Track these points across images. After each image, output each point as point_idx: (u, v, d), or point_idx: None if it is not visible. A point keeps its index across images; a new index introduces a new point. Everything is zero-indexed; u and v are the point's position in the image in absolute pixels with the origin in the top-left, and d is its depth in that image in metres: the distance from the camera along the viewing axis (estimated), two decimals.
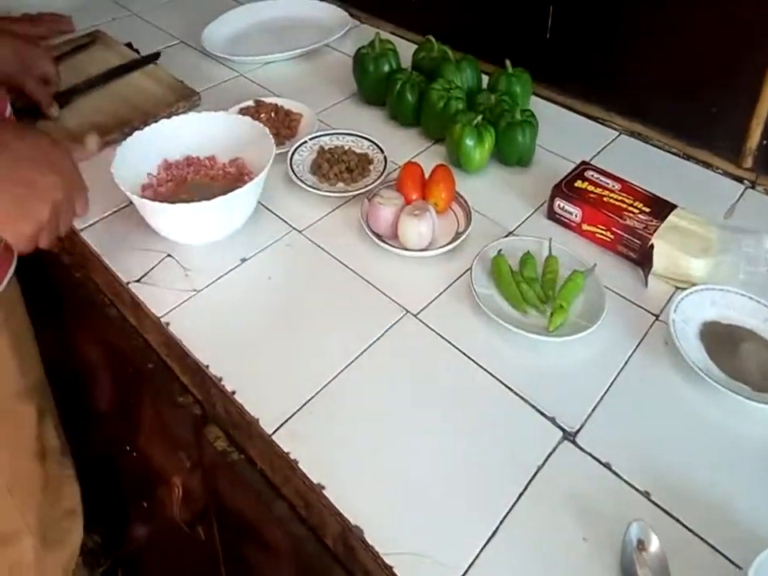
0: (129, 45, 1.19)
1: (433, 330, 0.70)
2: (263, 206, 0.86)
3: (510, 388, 0.64)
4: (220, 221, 0.78)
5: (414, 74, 1.00)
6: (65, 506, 0.97)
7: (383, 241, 0.78)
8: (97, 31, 1.23)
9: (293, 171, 0.89)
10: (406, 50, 1.08)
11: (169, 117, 1.02)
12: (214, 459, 0.70)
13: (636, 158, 0.93)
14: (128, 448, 0.93)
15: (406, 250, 0.76)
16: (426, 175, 0.83)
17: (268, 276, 0.77)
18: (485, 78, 1.03)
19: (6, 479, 0.82)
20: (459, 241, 0.77)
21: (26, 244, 0.64)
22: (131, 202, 0.85)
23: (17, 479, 0.84)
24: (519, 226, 0.83)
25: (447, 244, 0.77)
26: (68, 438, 1.02)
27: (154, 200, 0.82)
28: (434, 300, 0.73)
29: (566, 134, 0.98)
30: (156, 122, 1.00)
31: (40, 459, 0.88)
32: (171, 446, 0.79)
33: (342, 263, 0.78)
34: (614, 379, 0.65)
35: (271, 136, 0.83)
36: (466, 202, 0.82)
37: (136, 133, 0.83)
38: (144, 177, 0.85)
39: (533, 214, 0.84)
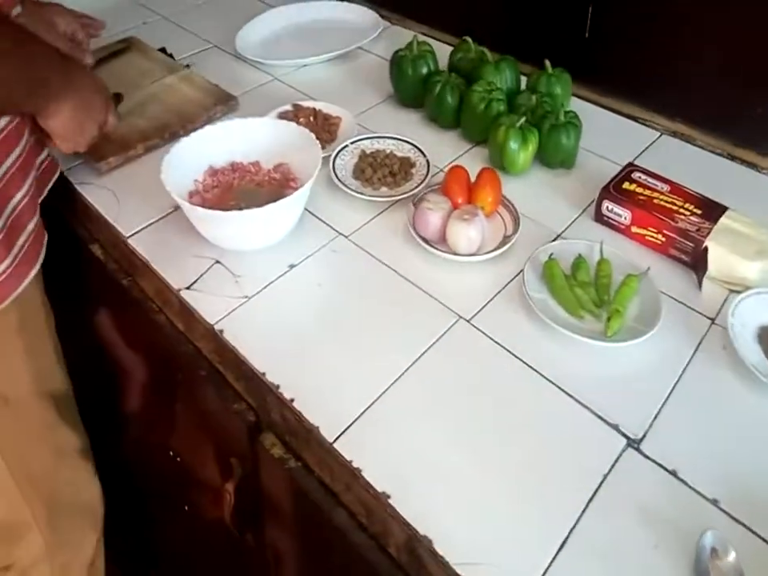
0: (162, 50, 1.19)
1: (487, 336, 0.69)
2: (308, 210, 0.85)
3: (570, 395, 0.63)
4: (268, 228, 0.78)
5: (453, 76, 0.99)
6: (80, 505, 0.97)
7: (431, 246, 0.77)
8: (131, 37, 1.23)
9: (336, 176, 0.88)
10: (440, 51, 1.07)
11: (208, 121, 1.03)
12: (269, 466, 0.69)
13: (679, 159, 0.92)
14: (171, 453, 0.93)
15: (455, 254, 0.76)
16: (472, 179, 0.83)
17: (317, 282, 0.77)
18: (523, 79, 1.02)
19: (15, 474, 0.83)
20: (509, 245, 0.76)
21: (74, 149, 0.82)
22: (176, 208, 0.86)
23: (27, 475, 0.85)
24: (567, 228, 0.82)
25: (496, 248, 0.76)
26: (96, 439, 1.03)
27: (202, 206, 0.82)
28: (486, 305, 0.72)
29: (607, 134, 0.96)
30: (196, 127, 1.01)
31: (54, 458, 0.88)
32: (222, 452, 0.79)
33: (390, 268, 0.77)
34: (675, 384, 0.64)
35: (317, 141, 0.82)
36: (512, 205, 0.81)
37: (182, 140, 0.83)
38: (191, 183, 0.84)
39: (579, 216, 0.83)
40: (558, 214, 0.84)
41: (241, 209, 0.80)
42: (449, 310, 0.72)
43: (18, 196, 0.77)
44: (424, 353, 0.68)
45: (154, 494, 1.18)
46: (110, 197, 0.91)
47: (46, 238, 0.83)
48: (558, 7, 1.05)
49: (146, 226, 0.86)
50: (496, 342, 0.68)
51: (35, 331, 0.84)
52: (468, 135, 0.98)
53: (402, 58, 1.03)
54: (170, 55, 1.18)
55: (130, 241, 0.84)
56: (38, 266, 0.80)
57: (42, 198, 0.85)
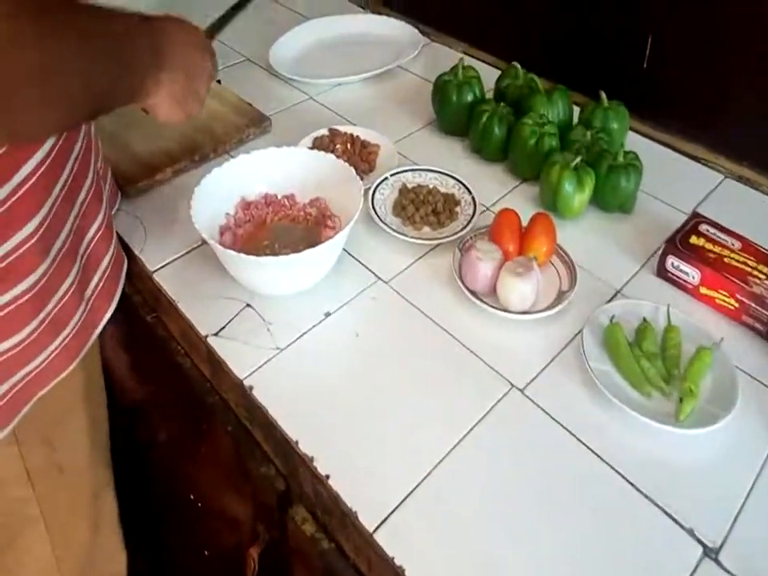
0: None
1: (543, 411, 0.61)
2: (345, 250, 0.78)
3: (635, 486, 0.56)
4: (303, 274, 0.71)
5: (500, 106, 0.91)
6: (110, 571, 0.90)
7: (480, 299, 0.69)
8: None
9: (375, 212, 0.81)
10: (482, 71, 0.99)
11: (240, 143, 0.96)
12: (299, 542, 0.63)
13: (746, 207, 0.83)
14: (192, 497, 0.87)
15: (507, 311, 0.68)
16: (523, 222, 0.75)
17: (355, 333, 0.69)
18: (575, 110, 0.93)
19: (54, 544, 0.76)
20: (565, 303, 0.68)
21: (184, 117, 0.68)
22: (205, 242, 0.78)
23: (65, 545, 0.78)
24: (627, 284, 0.73)
25: (551, 306, 0.68)
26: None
27: (233, 243, 0.75)
28: (541, 372, 0.65)
29: (666, 175, 0.88)
30: (227, 149, 0.94)
31: (92, 528, 0.82)
32: (248, 512, 0.73)
33: (434, 322, 0.70)
34: (756, 480, 0.56)
35: (358, 178, 0.75)
36: (567, 255, 0.73)
37: (213, 171, 0.76)
38: (222, 217, 0.77)
39: (640, 270, 0.75)
40: (617, 265, 0.76)
41: (275, 249, 0.74)
42: (500, 376, 0.64)
43: (93, 229, 0.68)
44: (473, 428, 0.60)
45: (173, 535, 1.11)
46: (135, 224, 0.84)
47: (121, 277, 0.73)
48: (615, 33, 0.96)
49: (173, 260, 0.79)
50: (553, 419, 0.60)
51: (97, 393, 0.76)
52: (516, 170, 0.90)
53: (447, 83, 0.95)
54: None
55: (155, 276, 0.77)
56: (111, 310, 0.70)
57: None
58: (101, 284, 0.68)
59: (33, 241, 0.56)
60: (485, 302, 0.69)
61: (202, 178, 0.74)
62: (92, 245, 0.68)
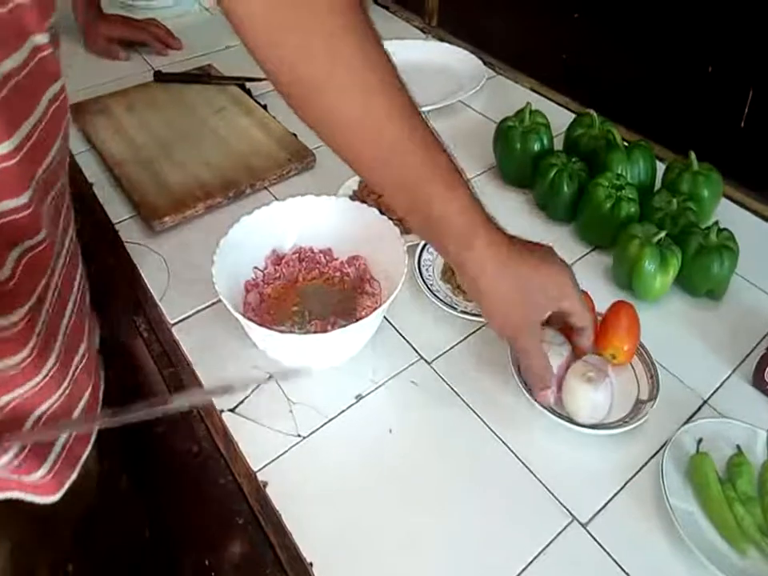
0: (241, 86, 1.03)
1: (610, 556, 0.49)
2: (384, 318, 0.67)
3: None
4: (334, 351, 0.61)
5: (572, 161, 0.79)
6: None
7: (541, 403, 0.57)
8: (208, 66, 1.08)
9: (422, 276, 0.70)
10: (549, 112, 0.87)
11: (279, 179, 0.86)
12: None
13: None
14: (207, 563, 0.77)
15: (572, 421, 0.56)
16: (596, 304, 0.63)
17: (388, 428, 0.58)
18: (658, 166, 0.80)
19: None
20: (644, 419, 0.56)
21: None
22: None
23: None
24: (715, 392, 0.60)
25: (627, 419, 0.56)
26: None
27: (259, 303, 0.66)
28: (608, 503, 0.52)
29: (764, 254, 0.74)
30: (265, 185, 0.85)
31: None
32: None
33: (483, 422, 0.58)
34: None
35: (402, 241, 0.64)
36: (648, 355, 0.61)
37: (243, 219, 0.66)
38: (250, 271, 0.67)
39: (732, 374, 0.62)
40: (703, 366, 0.63)
41: (305, 316, 0.64)
42: (559, 504, 0.52)
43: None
44: (526, 568, 0.49)
45: None
46: (159, 265, 0.75)
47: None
48: (709, 83, 0.83)
49: (195, 313, 0.70)
50: (623, 570, 0.49)
51: None
52: (585, 235, 0.77)
53: (511, 129, 0.83)
54: (248, 91, 1.02)
55: (174, 329, 0.68)
56: (72, 478, 0.55)
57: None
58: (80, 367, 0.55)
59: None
60: (546, 408, 0.57)
61: (232, 224, 0.65)
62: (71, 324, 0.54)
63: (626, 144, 0.79)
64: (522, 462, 0.55)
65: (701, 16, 0.82)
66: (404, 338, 0.66)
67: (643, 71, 0.91)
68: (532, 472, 0.54)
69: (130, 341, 0.85)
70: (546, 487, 0.53)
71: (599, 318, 0.61)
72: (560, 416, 0.56)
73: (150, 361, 0.74)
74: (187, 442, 0.66)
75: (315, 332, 0.61)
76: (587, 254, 0.76)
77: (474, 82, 1.02)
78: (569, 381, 0.56)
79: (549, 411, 0.56)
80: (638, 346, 0.61)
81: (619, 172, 0.76)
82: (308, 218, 0.70)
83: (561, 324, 0.58)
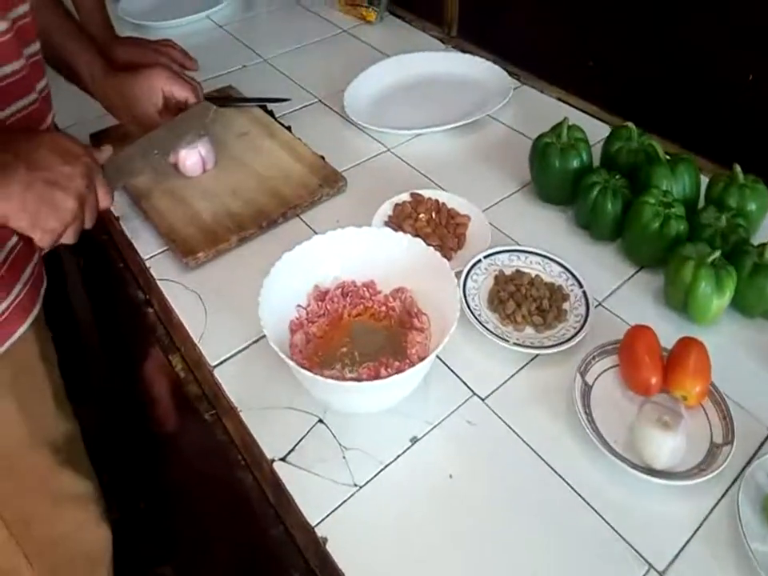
0: (263, 106, 1.00)
1: None
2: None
3: None
4: (386, 395, 0.58)
5: (614, 178, 0.76)
6: (82, 550, 0.87)
7: (609, 448, 0.54)
8: (229, 87, 1.05)
9: (469, 307, 0.67)
10: (577, 120, 0.83)
11: (311, 205, 0.83)
12: None
13: None
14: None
15: (646, 469, 0.52)
16: (662, 344, 0.59)
17: (448, 473, 0.56)
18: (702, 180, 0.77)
19: (8, 521, 0.74)
20: (724, 465, 0.52)
21: (51, 239, 0.58)
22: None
23: (22, 522, 0.76)
24: None
25: (702, 466, 0.52)
26: None
27: (306, 344, 0.63)
28: (683, 548, 0.50)
29: None
30: (297, 213, 0.82)
31: (52, 504, 0.80)
32: None
33: (547, 464, 0.55)
34: None
35: (453, 275, 0.61)
36: (719, 392, 0.57)
37: (284, 256, 0.63)
38: (293, 310, 0.65)
39: None
40: (766, 391, 0.60)
41: (354, 358, 0.61)
42: (633, 551, 0.50)
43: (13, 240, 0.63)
44: None
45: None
46: (195, 303, 0.72)
47: (43, 287, 0.70)
48: (749, 94, 0.80)
49: (236, 353, 0.67)
50: None
51: (31, 381, 0.72)
52: (632, 255, 0.74)
53: (548, 146, 0.80)
54: (271, 113, 0.99)
55: (215, 372, 0.66)
56: (32, 317, 0.67)
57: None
58: (19, 297, 0.65)
59: None
60: (617, 455, 0.53)
61: (274, 262, 0.62)
62: (12, 255, 0.64)
63: (669, 159, 0.76)
64: (592, 508, 0.52)
65: (740, 22, 0.79)
66: (454, 372, 0.64)
67: (679, 79, 0.87)
68: (603, 518, 0.52)
69: (165, 377, 0.83)
70: (619, 533, 0.51)
71: (664, 354, 0.58)
72: (635, 466, 0.52)
73: (188, 400, 0.71)
74: (235, 491, 0.64)
75: (368, 375, 0.58)
76: (634, 274, 0.73)
77: (500, 95, 0.99)
78: (643, 425, 0.52)
79: (620, 459, 0.53)
80: (711, 388, 0.58)
81: (664, 188, 0.73)
82: (349, 250, 0.67)
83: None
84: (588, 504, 0.53)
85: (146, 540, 1.15)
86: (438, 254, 0.63)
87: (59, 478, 0.79)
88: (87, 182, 0.60)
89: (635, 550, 0.50)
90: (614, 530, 0.51)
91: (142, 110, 0.80)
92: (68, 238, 0.60)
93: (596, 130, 0.89)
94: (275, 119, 0.97)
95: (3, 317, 0.63)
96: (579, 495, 0.53)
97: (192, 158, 0.83)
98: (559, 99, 1.01)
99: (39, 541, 0.79)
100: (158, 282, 0.75)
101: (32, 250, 0.67)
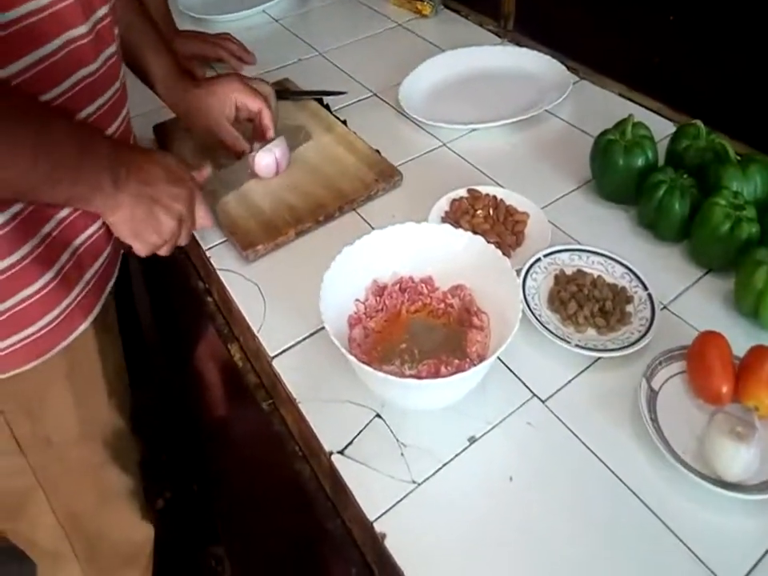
0: (319, 100, 0.99)
1: None
2: None
3: None
4: (446, 394, 0.57)
5: (682, 177, 0.73)
6: (124, 546, 0.89)
7: (679, 459, 0.52)
8: (285, 80, 1.04)
9: (529, 307, 0.65)
10: (640, 117, 0.79)
11: (367, 200, 0.82)
12: None
13: None
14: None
15: (716, 481, 0.50)
16: (733, 351, 0.56)
17: (508, 475, 0.54)
18: None
19: (57, 511, 0.77)
20: None
21: (148, 251, 0.65)
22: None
23: (69, 513, 0.78)
24: None
25: None
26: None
27: (364, 338, 0.62)
28: (756, 565, 0.47)
29: None
30: (354, 207, 0.81)
31: (99, 499, 0.81)
32: None
33: (611, 471, 0.53)
34: None
35: (514, 273, 0.59)
36: None
37: (344, 250, 0.62)
38: (350, 304, 0.64)
39: None
40: None
41: (414, 355, 0.60)
42: (705, 568, 0.47)
43: (85, 234, 0.64)
44: None
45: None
46: (254, 294, 0.73)
47: (110, 281, 0.71)
48: None
49: (294, 345, 0.67)
50: None
51: (87, 376, 0.73)
52: (699, 257, 0.71)
53: (612, 143, 0.77)
54: (327, 106, 0.98)
55: (274, 362, 0.66)
56: (92, 316, 0.67)
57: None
58: (83, 293, 0.65)
59: (4, 230, 0.55)
60: (687, 465, 0.51)
61: (335, 256, 0.61)
62: (81, 250, 0.64)
63: (739, 160, 0.72)
64: (660, 519, 0.50)
65: None
66: (514, 373, 0.62)
67: (748, 76, 0.83)
68: (672, 530, 0.50)
69: (219, 365, 0.84)
70: (688, 547, 0.49)
71: (736, 363, 0.55)
72: (705, 477, 0.50)
73: (245, 389, 0.72)
74: (291, 482, 0.64)
75: (428, 373, 0.57)
76: (702, 277, 0.70)
77: (559, 90, 0.96)
78: (714, 435, 0.50)
79: (690, 470, 0.50)
80: None
81: (734, 189, 0.69)
82: (408, 246, 0.66)
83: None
84: (654, 514, 0.51)
85: (198, 521, 1.18)
86: (499, 252, 0.61)
87: (107, 473, 0.81)
88: (189, 204, 0.65)
89: (705, 566, 0.47)
90: (682, 542, 0.49)
91: (214, 120, 0.80)
92: (163, 252, 0.66)
93: (659, 128, 0.85)
94: (331, 113, 0.97)
95: (65, 313, 0.63)
96: (645, 505, 0.51)
97: (267, 159, 0.82)
98: (620, 95, 0.98)
99: (85, 533, 0.81)
100: (218, 272, 0.76)
101: (98, 250, 0.67)
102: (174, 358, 1.10)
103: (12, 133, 0.46)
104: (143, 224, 0.61)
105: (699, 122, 0.77)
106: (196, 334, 0.91)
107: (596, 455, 0.55)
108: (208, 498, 1.20)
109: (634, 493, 0.52)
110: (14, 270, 0.58)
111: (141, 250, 0.64)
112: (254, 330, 0.69)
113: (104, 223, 0.65)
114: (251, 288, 0.73)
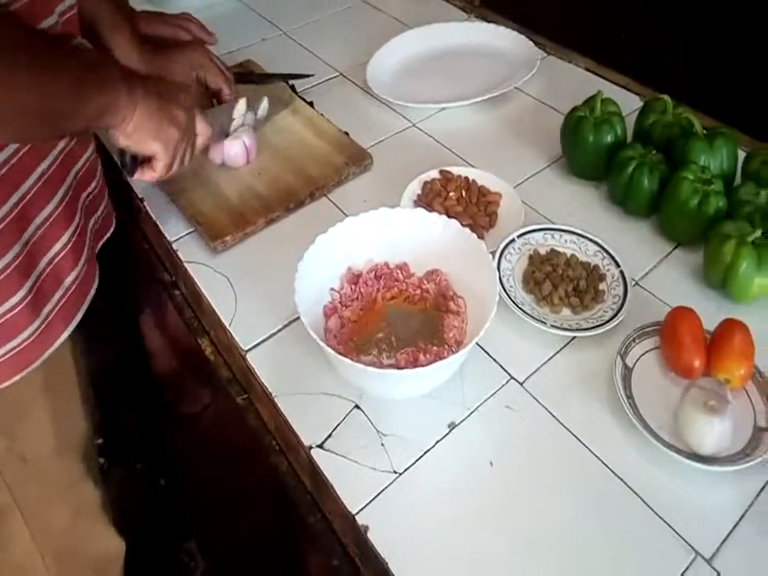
0: (285, 82, 0.96)
1: None
2: None
3: None
4: (424, 382, 0.57)
5: (651, 153, 0.73)
6: (95, 558, 0.87)
7: (653, 433, 0.52)
8: (248, 61, 1.01)
9: (504, 289, 0.65)
10: (608, 93, 0.79)
11: (338, 184, 0.81)
12: None
13: None
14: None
15: (691, 455, 0.51)
16: (703, 325, 0.57)
17: (488, 460, 0.55)
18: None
19: (30, 526, 0.75)
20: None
21: (170, 156, 0.64)
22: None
23: (43, 528, 0.77)
24: None
25: (748, 450, 0.51)
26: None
27: (340, 329, 0.61)
28: (729, 534, 0.49)
29: None
30: (324, 193, 0.80)
31: (72, 514, 0.80)
32: None
33: (590, 451, 0.54)
34: None
35: (490, 257, 0.59)
36: (762, 375, 0.55)
37: (317, 239, 0.61)
38: (326, 293, 0.63)
39: None
40: None
41: (392, 343, 0.60)
42: (680, 538, 0.49)
43: (55, 249, 0.62)
44: None
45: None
46: (224, 287, 0.71)
47: (89, 294, 0.68)
48: None
49: (267, 338, 0.66)
50: None
51: (63, 389, 0.71)
52: (669, 232, 0.71)
53: (581, 120, 0.76)
54: (293, 87, 0.95)
55: (248, 356, 0.65)
56: (71, 327, 0.65)
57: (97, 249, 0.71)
58: (59, 305, 0.63)
59: None
60: (661, 440, 0.52)
61: (304, 243, 0.60)
62: (53, 264, 0.62)
63: (706, 134, 0.73)
64: (636, 494, 0.51)
65: None
66: (490, 356, 0.62)
67: (713, 50, 0.83)
68: (648, 504, 0.51)
69: (191, 359, 0.82)
70: (664, 520, 0.50)
71: (707, 337, 0.56)
72: (679, 451, 0.51)
73: (218, 383, 0.70)
74: (268, 476, 0.63)
75: (407, 361, 0.57)
76: (672, 252, 0.71)
77: (527, 66, 0.95)
78: (688, 409, 0.51)
79: (665, 445, 0.51)
80: (755, 370, 0.56)
81: (702, 163, 0.70)
82: (382, 232, 0.65)
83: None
84: (632, 490, 0.51)
85: (168, 517, 1.16)
86: (474, 235, 0.61)
87: (82, 488, 0.79)
88: (190, 122, 0.65)
89: (681, 537, 0.49)
90: (659, 516, 0.50)
91: None
92: (176, 165, 0.65)
93: (627, 103, 0.85)
94: (297, 94, 0.94)
95: (45, 324, 0.61)
96: (623, 481, 0.52)
97: (235, 148, 0.79)
98: (587, 70, 0.97)
99: (58, 548, 0.80)
100: (186, 265, 0.74)
101: (75, 257, 0.65)
102: (140, 352, 1.08)
103: (48, 56, 0.48)
104: (159, 118, 0.61)
105: (666, 97, 0.77)
106: (163, 327, 0.89)
107: (574, 434, 0.55)
108: (177, 493, 1.19)
109: (611, 469, 0.53)
110: None
111: (161, 153, 0.63)
112: (225, 323, 0.67)
113: (79, 225, 0.64)
114: (221, 280, 0.71)
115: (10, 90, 0.45)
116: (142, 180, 0.66)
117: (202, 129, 0.68)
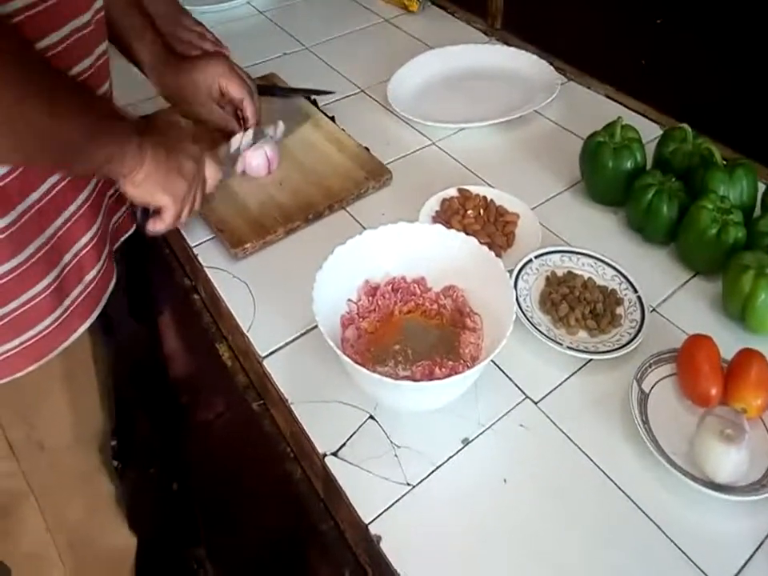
0: (307, 97, 0.98)
1: None
2: None
3: None
4: (439, 396, 0.57)
5: (670, 181, 0.73)
6: (107, 552, 0.87)
7: (668, 459, 0.52)
8: (272, 75, 1.03)
9: (521, 308, 0.65)
10: (626, 119, 0.79)
11: (357, 198, 0.82)
12: None
13: None
14: None
15: (707, 483, 0.51)
16: (720, 351, 0.57)
17: (502, 477, 0.55)
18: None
19: (45, 515, 0.75)
20: None
21: (177, 208, 0.65)
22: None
23: (58, 519, 0.77)
24: None
25: (764, 482, 0.51)
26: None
27: (357, 339, 0.62)
28: (745, 565, 0.48)
29: None
30: (343, 206, 0.81)
31: (86, 506, 0.80)
32: None
33: (602, 470, 0.54)
34: None
35: (507, 276, 0.59)
36: None
37: (336, 250, 0.62)
38: (343, 304, 0.64)
39: None
40: None
41: (408, 356, 0.60)
42: (695, 566, 0.48)
43: (82, 242, 0.63)
44: None
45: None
46: (243, 293, 0.71)
47: (108, 290, 0.68)
48: None
49: (285, 345, 0.66)
50: None
51: (82, 380, 0.72)
52: (687, 260, 0.72)
53: (601, 146, 0.77)
54: (314, 102, 0.97)
55: (265, 362, 0.65)
56: (90, 320, 0.66)
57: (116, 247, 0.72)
58: (80, 298, 0.64)
59: (10, 231, 0.54)
60: (677, 467, 0.51)
61: (322, 254, 0.60)
62: (78, 257, 0.63)
63: (726, 164, 0.73)
64: (651, 520, 0.51)
65: None
66: (506, 374, 0.62)
67: (734, 80, 0.84)
68: (663, 531, 0.50)
69: (207, 364, 0.83)
70: (679, 548, 0.49)
71: (724, 366, 0.56)
72: (696, 479, 0.51)
73: (235, 389, 0.70)
74: (281, 482, 0.63)
75: (422, 374, 0.57)
76: (690, 280, 0.71)
77: (547, 91, 0.96)
78: (705, 437, 0.51)
79: (681, 472, 0.51)
80: None
81: (721, 193, 0.70)
82: (400, 246, 0.65)
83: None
84: (646, 515, 0.51)
85: (179, 522, 1.16)
86: (492, 253, 0.61)
87: (97, 479, 0.80)
88: (199, 175, 0.66)
89: (696, 566, 0.48)
90: (673, 543, 0.49)
91: (203, 99, 0.78)
92: (185, 213, 0.66)
93: (646, 130, 0.86)
94: (319, 109, 0.95)
95: (65, 316, 0.62)
96: (636, 505, 0.52)
97: (257, 159, 0.81)
98: (607, 96, 0.98)
99: (72, 539, 0.80)
100: (206, 270, 0.74)
101: (97, 254, 0.65)
102: (158, 354, 1.08)
103: (62, 95, 0.49)
104: (167, 170, 0.61)
105: (686, 126, 0.78)
106: (181, 331, 0.89)
107: (588, 457, 0.55)
108: (188, 499, 1.18)
109: (626, 494, 0.53)
110: (17, 273, 0.56)
111: (169, 205, 0.63)
112: (243, 329, 0.68)
113: (102, 224, 0.65)
114: (240, 286, 0.72)
115: (21, 106, 0.44)
116: (153, 232, 0.67)
117: (211, 173, 0.69)
